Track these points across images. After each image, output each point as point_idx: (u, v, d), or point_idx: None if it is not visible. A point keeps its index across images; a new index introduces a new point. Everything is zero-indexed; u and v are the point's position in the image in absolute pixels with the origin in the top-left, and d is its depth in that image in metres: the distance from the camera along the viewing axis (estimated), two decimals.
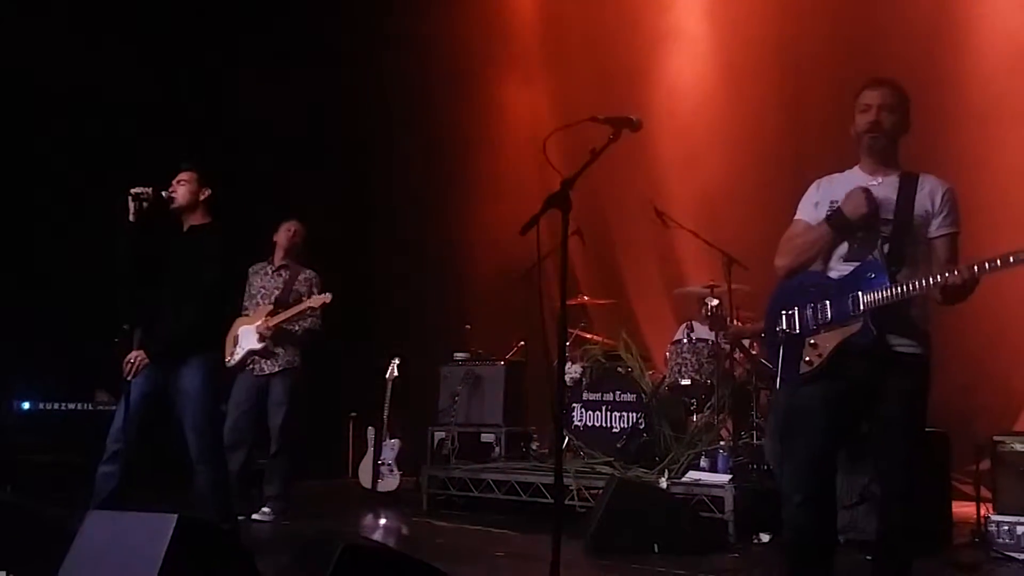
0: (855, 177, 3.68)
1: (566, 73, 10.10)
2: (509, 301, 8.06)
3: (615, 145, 3.30)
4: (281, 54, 9.34)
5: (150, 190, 4.95)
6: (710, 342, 7.05)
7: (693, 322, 7.41)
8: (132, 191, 4.91)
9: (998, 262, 3.24)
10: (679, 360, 7.05)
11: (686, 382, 6.97)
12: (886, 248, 3.52)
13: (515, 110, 10.53)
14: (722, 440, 6.53)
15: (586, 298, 8.39)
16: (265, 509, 6.56)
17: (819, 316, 3.58)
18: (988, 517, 5.29)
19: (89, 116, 8.05)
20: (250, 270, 6.91)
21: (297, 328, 6.69)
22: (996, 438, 5.40)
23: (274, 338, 6.62)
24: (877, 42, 7.76)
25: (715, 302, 6.79)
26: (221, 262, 5.08)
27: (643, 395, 7.07)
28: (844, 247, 3.61)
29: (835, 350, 3.51)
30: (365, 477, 7.83)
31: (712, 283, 7.05)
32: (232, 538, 4.06)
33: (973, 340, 7.04)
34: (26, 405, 7.20)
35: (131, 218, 4.91)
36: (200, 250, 5.05)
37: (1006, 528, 5.17)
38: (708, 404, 6.86)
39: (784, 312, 3.69)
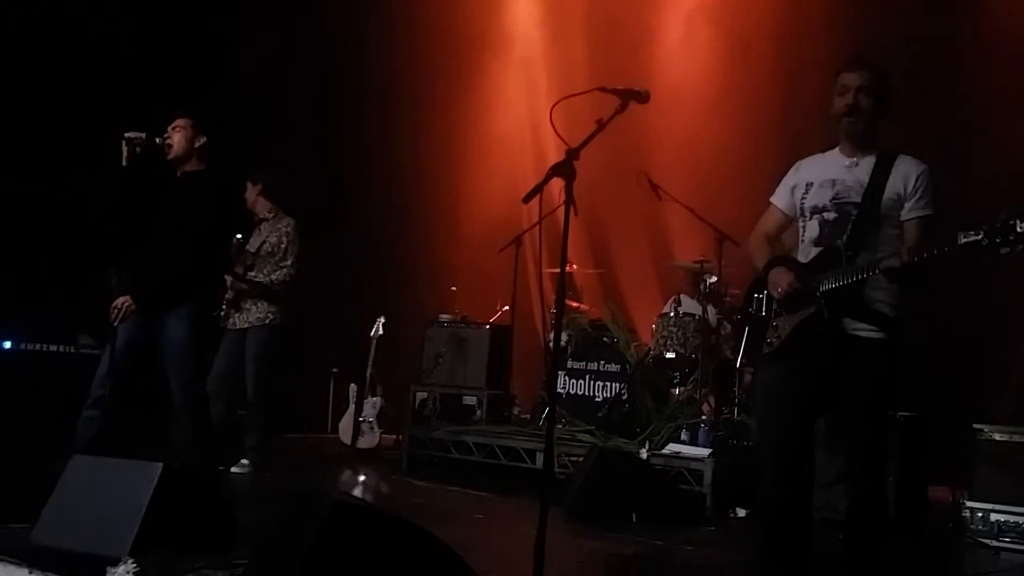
0: (834, 159, 3.68)
1: (563, 43, 10.02)
2: (496, 265, 8.03)
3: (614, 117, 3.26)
4: (282, 10, 9.22)
5: (144, 135, 4.88)
6: (696, 316, 7.06)
7: (681, 295, 7.41)
8: (126, 135, 4.83)
9: (935, 250, 3.23)
10: (665, 333, 7.06)
11: (671, 355, 6.98)
12: (851, 232, 3.53)
13: (510, 78, 10.47)
14: (703, 415, 6.56)
15: (574, 267, 8.39)
16: (244, 461, 6.56)
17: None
18: (963, 503, 5.36)
19: (82, 57, 7.90)
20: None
21: (265, 280, 6.65)
22: (975, 426, 5.44)
23: (240, 289, 6.58)
24: (878, 17, 7.73)
25: (713, 279, 6.80)
26: (212, 210, 5.01)
27: (627, 366, 7.09)
28: (815, 231, 3.64)
29: (793, 331, 3.57)
30: (345, 433, 7.85)
31: (703, 258, 7.05)
32: (214, 488, 4.07)
33: (953, 326, 7.09)
34: (7, 345, 7.14)
35: (124, 162, 4.84)
36: (192, 197, 4.99)
37: (980, 515, 5.25)
38: (691, 378, 6.89)
39: (756, 295, 3.76)
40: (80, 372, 5.16)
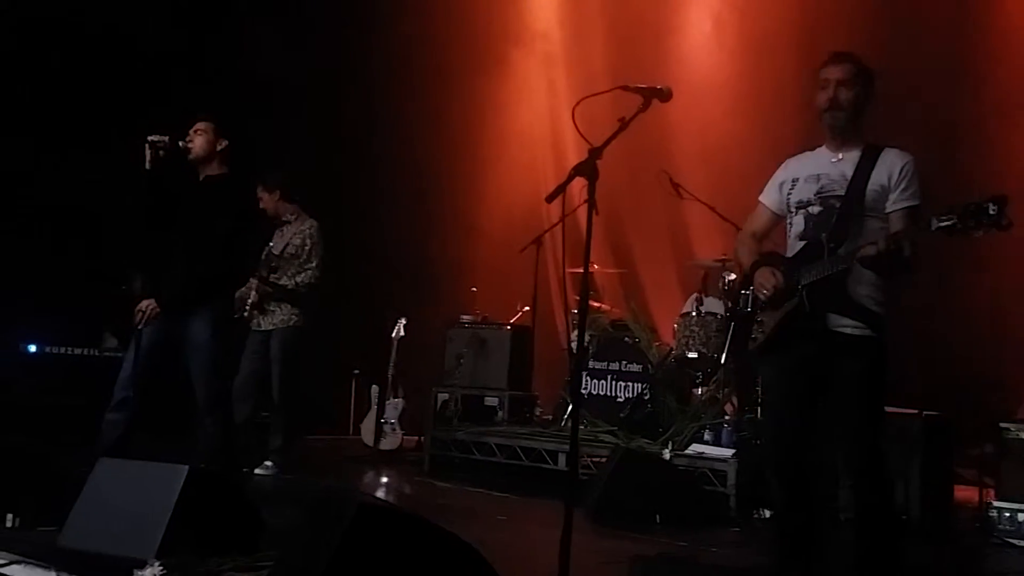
0: (820, 154, 3.70)
1: (583, 39, 10.01)
2: (516, 265, 8.03)
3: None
4: (292, 4, 9.24)
5: (167, 138, 4.91)
6: (719, 316, 7.03)
7: (703, 294, 7.37)
8: (149, 138, 4.86)
9: (911, 237, 3.24)
10: (687, 333, 7.02)
11: (693, 355, 6.94)
12: (834, 225, 3.52)
13: (529, 76, 10.46)
14: (727, 415, 6.52)
15: (596, 267, 8.37)
16: (267, 463, 6.58)
17: None
18: (990, 503, 5.30)
19: (109, 60, 7.94)
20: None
21: (290, 283, 6.66)
22: (1002, 425, 5.37)
23: (265, 292, 6.60)
24: (902, 18, 7.68)
25: (732, 277, 6.76)
26: (234, 213, 5.05)
27: (649, 366, 7.07)
28: (800, 225, 3.64)
29: (777, 326, 3.58)
30: (367, 435, 7.86)
31: (725, 256, 7.02)
32: (240, 490, 4.08)
33: (979, 324, 7.04)
34: (32, 348, 7.19)
35: (147, 166, 4.87)
36: (214, 200, 5.02)
37: (1008, 515, 5.18)
38: (714, 378, 6.85)
39: (743, 292, 3.77)
40: (104, 375, 5.18)
